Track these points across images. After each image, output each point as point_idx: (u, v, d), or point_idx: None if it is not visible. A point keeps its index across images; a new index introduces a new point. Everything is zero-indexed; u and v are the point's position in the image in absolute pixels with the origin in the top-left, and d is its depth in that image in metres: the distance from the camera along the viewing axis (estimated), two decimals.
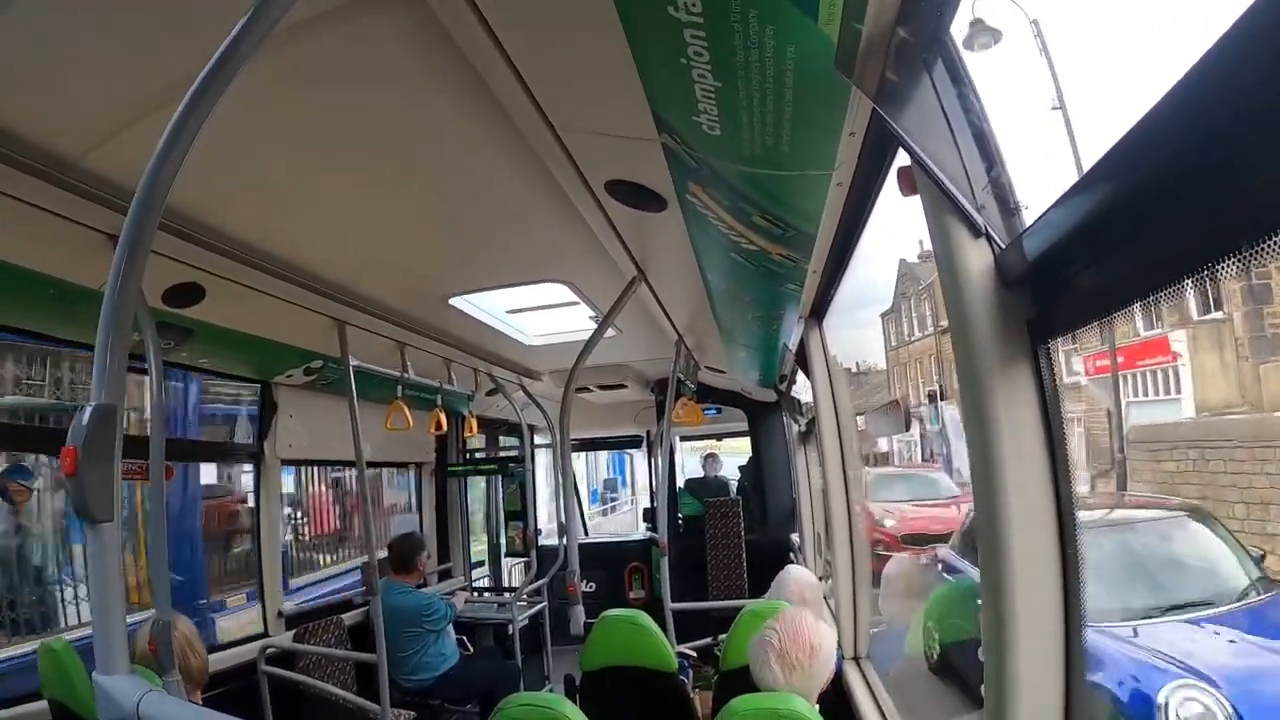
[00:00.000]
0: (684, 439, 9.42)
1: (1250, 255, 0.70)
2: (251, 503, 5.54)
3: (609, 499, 17.02)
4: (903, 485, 14.14)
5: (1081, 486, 6.70)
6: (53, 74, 1.69)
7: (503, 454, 8.06)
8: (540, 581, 6.50)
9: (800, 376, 4.54)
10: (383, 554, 5.32)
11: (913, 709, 4.95)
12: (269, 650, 4.32)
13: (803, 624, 2.34)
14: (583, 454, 11.82)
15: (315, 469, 8.41)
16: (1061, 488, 1.20)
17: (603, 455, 15.75)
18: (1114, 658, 4.24)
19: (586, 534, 9.31)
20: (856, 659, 3.64)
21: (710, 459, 8.99)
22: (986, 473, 1.22)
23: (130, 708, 1.23)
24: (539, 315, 4.39)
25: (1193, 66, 0.70)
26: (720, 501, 7.53)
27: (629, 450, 13.94)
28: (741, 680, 2.44)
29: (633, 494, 17.88)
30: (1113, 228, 0.92)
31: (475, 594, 6.96)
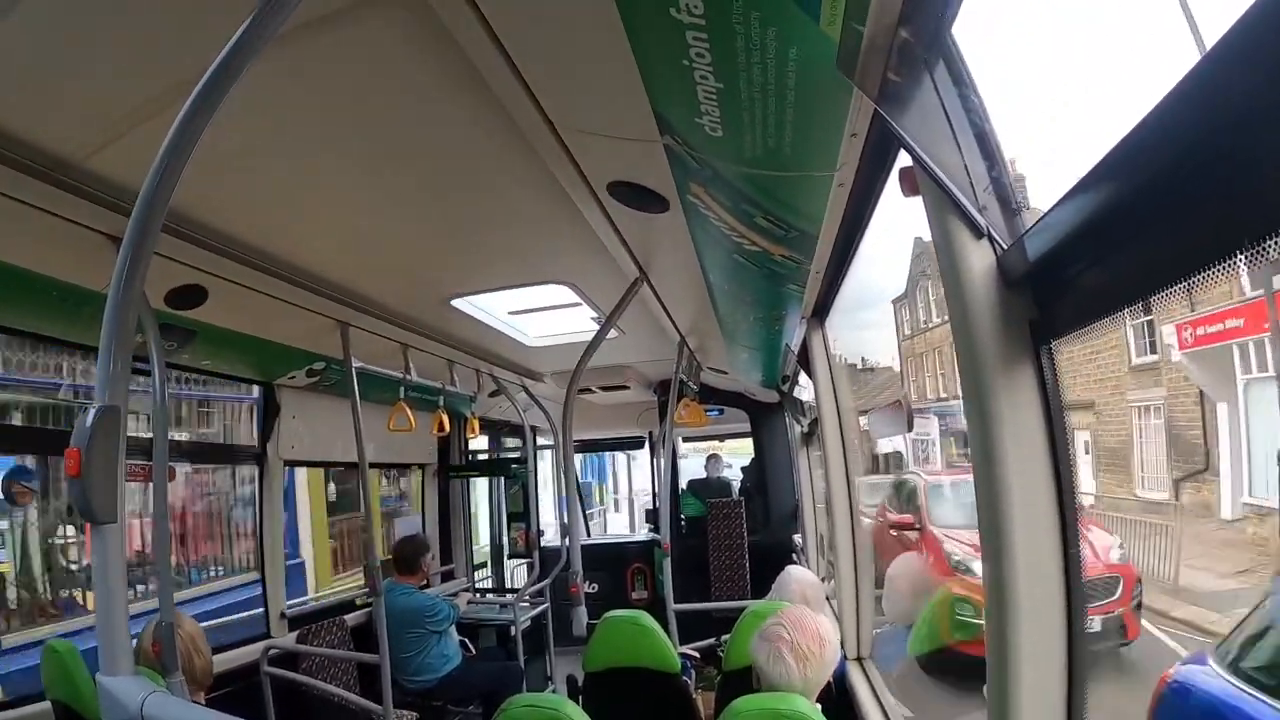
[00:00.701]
0: (686, 440, 9.41)
1: (1253, 254, 0.69)
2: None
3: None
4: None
5: (1158, 494, 5.57)
6: (56, 77, 1.69)
7: (505, 455, 8.06)
8: (543, 583, 6.51)
9: (803, 377, 4.54)
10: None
11: None
12: (272, 651, 4.32)
13: (807, 616, 2.35)
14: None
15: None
16: (1064, 487, 1.20)
17: (575, 457, 14.42)
18: None
19: (589, 535, 9.31)
20: (859, 659, 3.64)
21: (713, 460, 8.98)
22: (989, 473, 1.22)
23: (134, 709, 1.23)
24: (541, 316, 4.39)
25: (1196, 64, 0.70)
26: (723, 502, 7.54)
27: (610, 451, 13.44)
28: (744, 681, 2.44)
29: (602, 502, 16.63)
30: (1115, 228, 0.92)
31: (478, 595, 6.96)
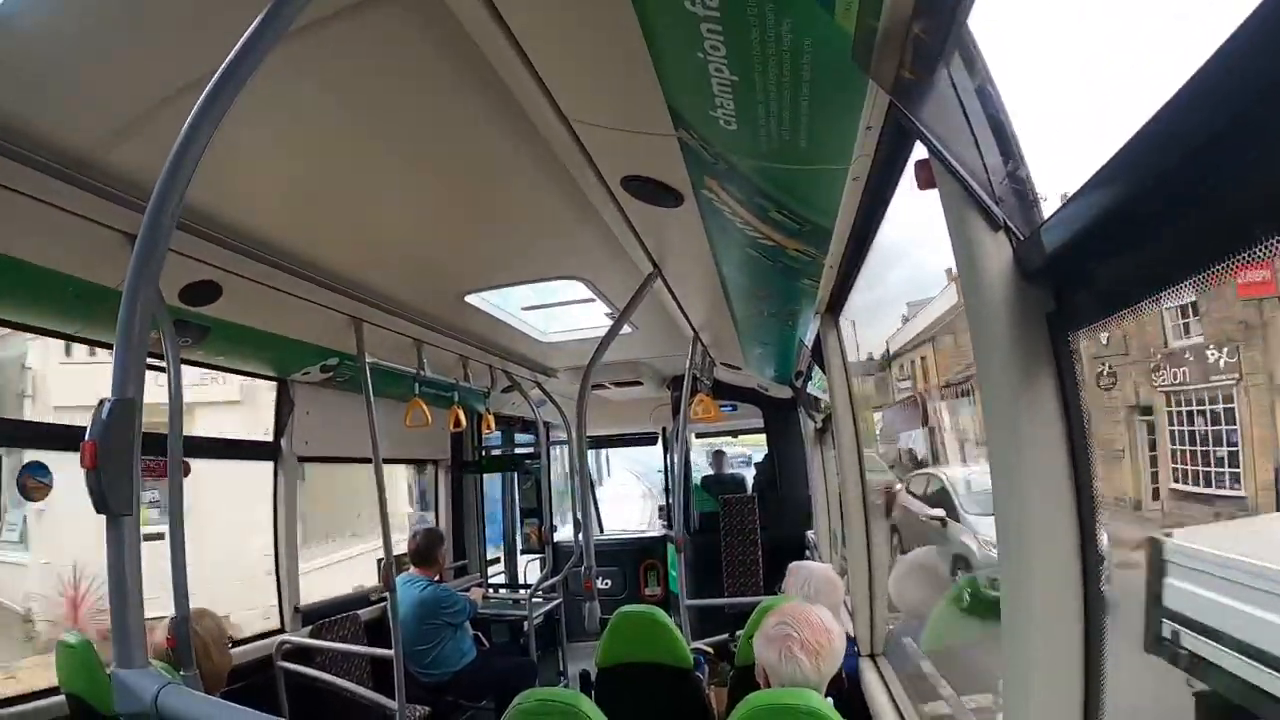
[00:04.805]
0: (699, 436, 9.39)
1: (1277, 243, 0.68)
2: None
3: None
4: None
5: None
6: (70, 73, 1.70)
7: (519, 451, 8.06)
8: (556, 578, 6.52)
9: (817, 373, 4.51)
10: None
11: None
12: (286, 646, 4.34)
13: (808, 611, 2.35)
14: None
15: None
16: (1082, 483, 1.18)
17: None
18: None
19: (601, 531, 9.33)
20: (873, 656, 3.63)
21: (718, 455, 8.96)
22: (1007, 468, 1.20)
23: (148, 701, 1.24)
24: (555, 312, 4.40)
25: (1221, 46, 0.69)
26: (736, 498, 7.52)
27: (624, 447, 13.00)
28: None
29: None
30: (1135, 219, 0.90)
31: (491, 590, 6.98)
